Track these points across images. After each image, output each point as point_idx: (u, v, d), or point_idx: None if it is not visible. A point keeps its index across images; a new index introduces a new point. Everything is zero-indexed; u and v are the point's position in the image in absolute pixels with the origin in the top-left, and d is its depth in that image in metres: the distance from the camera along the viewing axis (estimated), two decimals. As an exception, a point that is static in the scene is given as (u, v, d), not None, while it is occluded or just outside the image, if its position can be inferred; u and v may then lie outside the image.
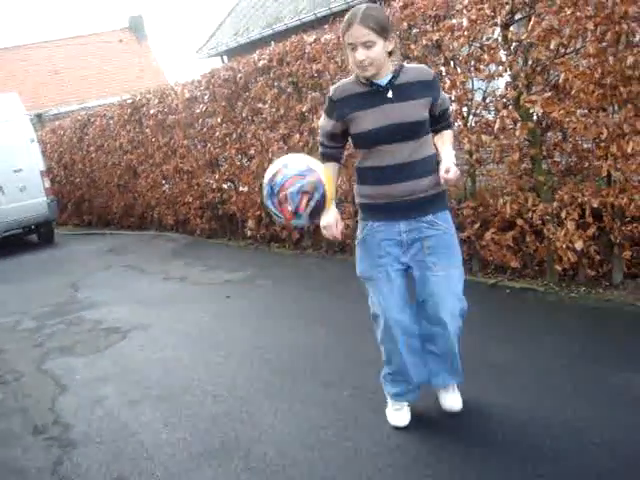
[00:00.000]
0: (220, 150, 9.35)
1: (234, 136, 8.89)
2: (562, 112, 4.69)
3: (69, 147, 14.55)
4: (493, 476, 2.91)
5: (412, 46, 5.76)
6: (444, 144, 3.15)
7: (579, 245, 4.83)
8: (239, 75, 8.54)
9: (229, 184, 9.55)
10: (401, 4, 5.89)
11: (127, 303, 7.06)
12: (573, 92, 4.61)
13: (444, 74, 5.61)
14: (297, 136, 7.64)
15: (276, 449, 3.43)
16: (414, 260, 3.14)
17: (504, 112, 5.09)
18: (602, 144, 4.59)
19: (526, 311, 4.96)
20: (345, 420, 3.60)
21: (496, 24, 5.10)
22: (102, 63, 27.00)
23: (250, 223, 8.96)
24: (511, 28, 5.07)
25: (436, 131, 3.19)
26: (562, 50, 4.80)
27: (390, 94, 2.99)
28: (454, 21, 5.37)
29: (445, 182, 3.01)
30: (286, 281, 7.02)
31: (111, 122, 12.56)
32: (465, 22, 5.23)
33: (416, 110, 3.00)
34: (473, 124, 5.53)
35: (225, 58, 16.84)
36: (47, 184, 12.88)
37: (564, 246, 4.88)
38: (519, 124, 5.04)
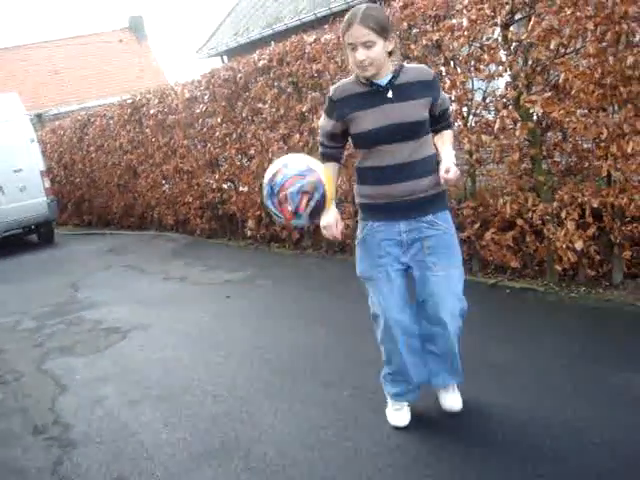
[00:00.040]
0: (220, 150, 9.35)
1: (234, 136, 8.89)
2: (562, 112, 4.69)
3: (69, 147, 14.55)
4: (493, 476, 2.91)
5: (412, 46, 5.77)
6: (444, 144, 3.14)
7: (579, 245, 4.83)
8: (239, 75, 8.54)
9: (229, 184, 9.55)
10: (401, 4, 5.89)
11: (127, 303, 7.06)
12: (573, 92, 4.61)
13: (444, 74, 5.61)
14: (297, 136, 7.64)
15: (276, 449, 3.43)
16: (414, 260, 3.13)
17: (504, 112, 5.09)
18: (602, 144, 4.59)
19: (526, 311, 4.96)
20: (345, 420, 3.60)
21: (496, 24, 5.10)
22: (102, 63, 26.99)
23: (250, 223, 8.96)
24: (511, 28, 5.07)
25: (436, 131, 3.19)
26: (562, 50, 4.80)
27: (390, 94, 2.98)
28: (454, 21, 5.38)
29: (445, 182, 3.00)
30: (286, 281, 7.02)
31: (111, 122, 12.56)
32: (465, 22, 5.23)
33: (416, 110, 3.00)
34: (473, 124, 5.53)
35: (225, 58, 16.85)
36: (47, 184, 12.88)
37: (564, 246, 4.88)
38: (519, 124, 5.04)
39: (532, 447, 3.06)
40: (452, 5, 5.42)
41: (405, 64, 3.10)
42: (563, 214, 4.88)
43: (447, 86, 5.42)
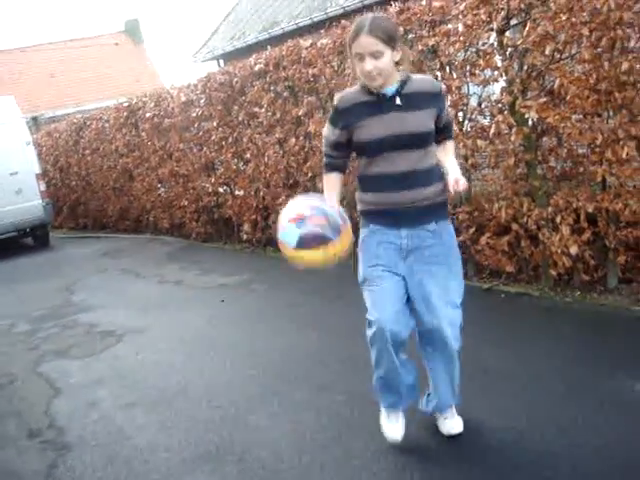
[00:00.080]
0: (216, 154, 9.35)
1: (230, 140, 8.90)
2: (557, 117, 4.70)
3: (65, 150, 14.53)
4: (487, 480, 2.92)
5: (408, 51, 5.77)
6: (447, 155, 3.12)
7: (574, 250, 4.84)
8: (235, 79, 8.55)
9: (225, 188, 9.55)
10: (397, 9, 5.91)
11: (122, 306, 7.06)
12: (568, 97, 4.63)
13: (440, 79, 5.62)
14: (293, 140, 7.65)
15: (270, 453, 3.43)
16: (412, 268, 3.04)
17: (499, 117, 5.10)
18: (597, 149, 4.61)
19: (521, 316, 4.97)
20: (339, 424, 3.60)
21: (492, 29, 5.12)
22: (98, 66, 27.01)
23: (246, 227, 8.96)
24: (507, 33, 5.09)
25: (438, 142, 3.15)
26: (557, 56, 4.81)
27: (397, 103, 2.95)
28: (450, 26, 5.39)
29: (455, 194, 2.98)
30: (281, 285, 7.02)
31: (107, 125, 12.55)
32: (461, 27, 5.24)
33: (422, 120, 2.97)
34: (469, 129, 5.55)
35: (221, 62, 16.88)
36: (43, 187, 12.85)
37: (559, 251, 4.90)
38: (514, 129, 5.05)
39: (526, 452, 3.07)
40: (448, 10, 5.44)
41: (412, 74, 3.06)
42: (558, 219, 4.89)
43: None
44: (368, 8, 8.36)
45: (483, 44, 5.23)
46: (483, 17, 5.06)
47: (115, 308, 7.02)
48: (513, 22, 5.08)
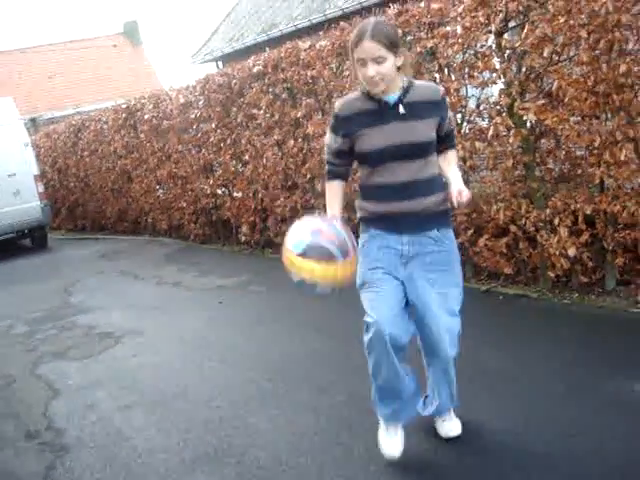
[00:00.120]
0: (214, 155, 9.36)
1: (228, 141, 8.90)
2: (555, 119, 4.71)
3: (63, 152, 14.52)
4: (486, 482, 2.92)
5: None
6: (449, 165, 3.08)
7: (572, 252, 4.85)
8: (234, 81, 8.55)
9: (223, 189, 9.56)
10: (395, 11, 5.91)
11: (120, 308, 7.06)
12: (566, 100, 4.64)
13: (438, 81, 5.63)
14: (291, 142, 7.66)
15: (269, 455, 3.43)
16: (413, 275, 3.01)
17: (498, 119, 5.11)
18: (595, 151, 4.61)
19: (519, 317, 4.97)
20: (338, 426, 3.60)
21: (490, 32, 5.13)
22: (96, 68, 27.00)
23: (244, 229, 8.97)
24: (505, 36, 5.10)
25: (440, 151, 3.11)
26: (555, 58, 4.82)
27: (398, 112, 2.91)
28: (448, 28, 5.40)
29: (458, 205, 2.94)
30: (279, 287, 6.99)
31: (105, 127, 12.55)
32: (459, 29, 5.25)
33: (424, 130, 2.93)
34: (467, 131, 5.55)
35: (220, 64, 16.88)
36: (41, 188, 12.85)
37: (557, 253, 4.90)
38: (513, 131, 5.06)
39: (525, 453, 3.07)
40: (446, 13, 5.44)
41: (414, 81, 3.02)
42: (556, 221, 4.89)
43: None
44: (367, 10, 8.36)
45: (481, 46, 5.24)
46: (481, 19, 5.07)
47: (113, 309, 7.02)
48: (511, 24, 5.10)
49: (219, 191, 9.61)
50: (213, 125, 9.13)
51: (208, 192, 9.69)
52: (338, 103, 3.07)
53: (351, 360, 4.43)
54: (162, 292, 7.69)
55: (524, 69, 4.99)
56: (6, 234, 12.56)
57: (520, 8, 4.90)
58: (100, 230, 14.14)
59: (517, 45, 4.89)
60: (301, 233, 2.85)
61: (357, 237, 3.09)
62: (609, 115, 4.64)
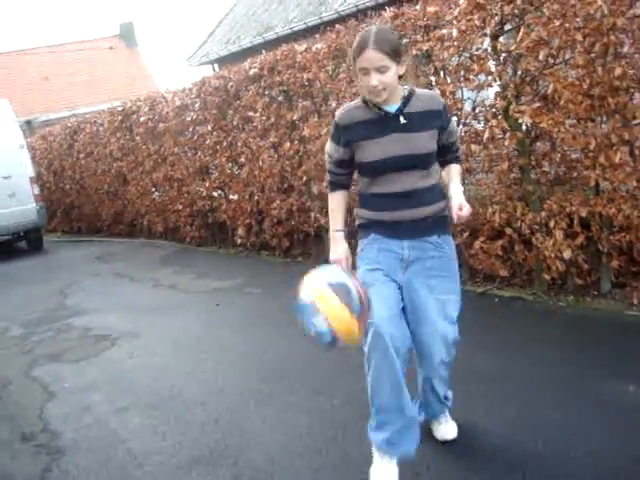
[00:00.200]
0: (210, 158, 9.36)
1: (224, 144, 8.90)
2: (551, 122, 4.72)
3: (59, 154, 14.51)
4: (481, 484, 2.93)
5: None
6: (452, 179, 3.02)
7: (567, 254, 4.86)
8: (230, 83, 8.56)
9: (219, 192, 9.56)
10: (391, 14, 5.92)
11: (116, 310, 7.05)
12: (562, 102, 4.65)
13: (434, 84, 5.64)
14: (287, 144, 7.66)
15: (265, 457, 3.43)
16: (412, 280, 2.98)
17: (493, 122, 5.12)
18: (590, 154, 4.63)
19: (514, 320, 4.98)
20: (334, 428, 3.60)
21: (485, 35, 5.14)
22: (92, 70, 26.97)
23: (240, 231, 8.97)
24: (500, 39, 5.11)
25: (443, 164, 3.08)
26: (551, 61, 4.84)
27: (399, 122, 2.87)
28: (444, 31, 5.41)
29: (458, 219, 2.87)
30: (275, 289, 7.02)
31: (101, 129, 12.55)
32: (455, 32, 5.26)
33: (425, 141, 2.89)
34: (462, 134, 5.55)
35: (216, 66, 16.88)
36: (36, 191, 12.84)
37: (552, 255, 4.91)
38: (508, 134, 5.08)
39: (519, 456, 3.08)
40: (442, 16, 5.46)
41: (416, 89, 2.97)
42: (552, 223, 4.91)
43: (437, 96, 5.45)
44: (362, 13, 8.38)
45: (477, 49, 5.25)
46: (477, 22, 5.08)
47: (109, 312, 7.01)
48: (507, 27, 5.11)
49: (215, 193, 9.62)
50: (209, 127, 9.13)
51: (204, 194, 9.69)
52: (338, 112, 3.03)
53: (347, 362, 4.43)
54: (158, 294, 7.68)
55: (520, 72, 5.01)
56: (2, 236, 12.54)
57: (515, 11, 4.92)
58: (96, 232, 14.13)
59: (513, 48, 4.91)
60: (338, 274, 2.78)
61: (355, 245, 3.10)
62: (604, 118, 4.66)
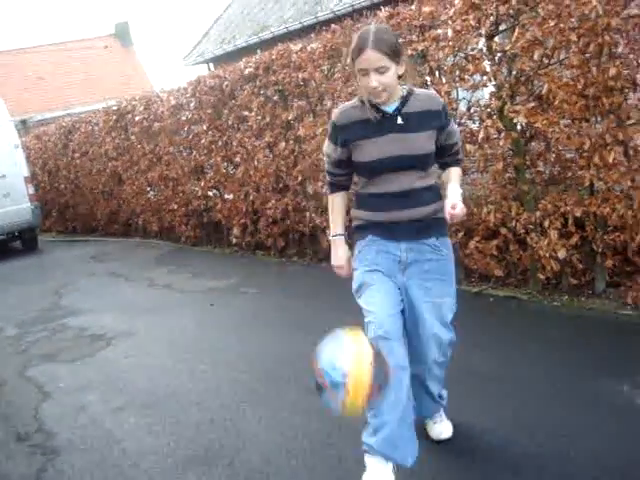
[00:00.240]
0: (206, 157, 9.35)
1: (220, 143, 8.90)
2: (545, 122, 4.73)
3: (54, 153, 14.47)
4: (476, 483, 2.93)
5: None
6: (451, 181, 2.98)
7: (562, 254, 4.87)
8: (225, 83, 8.55)
9: (214, 191, 9.55)
10: (387, 14, 5.93)
11: (111, 310, 7.04)
12: (556, 103, 4.66)
13: (429, 84, 5.65)
14: (283, 144, 7.66)
15: (260, 457, 3.43)
16: (409, 282, 2.96)
17: (488, 122, 5.13)
18: (585, 154, 4.64)
19: (509, 319, 4.99)
20: (329, 427, 3.60)
21: (481, 35, 5.15)
22: (87, 69, 26.93)
23: (235, 231, 8.97)
24: (495, 39, 5.12)
25: (443, 166, 3.07)
26: (546, 61, 4.85)
27: (397, 122, 2.85)
28: (439, 31, 5.41)
29: (451, 218, 2.82)
30: (271, 289, 7.02)
31: (96, 129, 12.52)
32: (450, 32, 5.27)
33: (422, 142, 2.87)
34: (458, 133, 5.56)
35: (211, 65, 16.86)
36: (31, 190, 12.80)
37: (547, 255, 4.93)
38: (503, 134, 5.09)
39: (515, 455, 3.08)
40: (437, 16, 5.46)
41: (415, 89, 2.94)
42: (546, 223, 4.92)
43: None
44: (358, 12, 8.39)
45: (472, 49, 5.26)
46: (472, 22, 5.09)
47: (104, 312, 7.00)
48: (502, 27, 5.12)
49: (210, 193, 9.61)
50: (204, 127, 9.13)
51: (199, 194, 9.68)
52: (336, 112, 3.01)
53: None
54: (153, 294, 7.67)
55: (514, 72, 5.01)
56: (-4, 236, 12.52)
57: (510, 11, 4.93)
58: (91, 232, 14.10)
59: (507, 48, 4.92)
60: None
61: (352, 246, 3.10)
62: (599, 118, 4.67)
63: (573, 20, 4.48)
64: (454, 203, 2.79)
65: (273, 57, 7.64)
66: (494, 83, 5.15)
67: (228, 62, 10.46)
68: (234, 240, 9.06)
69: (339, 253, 3.10)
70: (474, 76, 5.29)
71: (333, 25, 6.82)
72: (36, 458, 3.81)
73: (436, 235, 2.98)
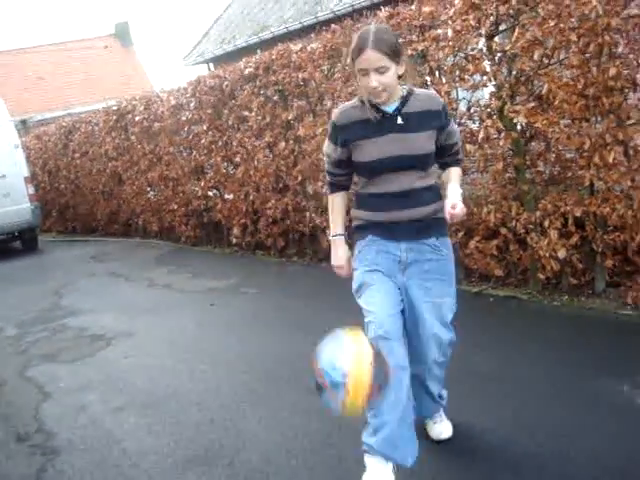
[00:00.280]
0: (206, 157, 9.35)
1: (220, 143, 8.90)
2: (545, 122, 4.73)
3: (54, 153, 14.47)
4: (476, 483, 2.93)
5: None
6: (451, 181, 2.97)
7: (562, 254, 4.87)
8: (225, 83, 8.55)
9: (214, 191, 9.55)
10: (387, 14, 5.93)
11: (111, 310, 7.04)
12: (556, 102, 4.66)
13: (429, 84, 5.65)
14: (283, 144, 7.66)
15: (260, 456, 3.43)
16: (408, 282, 2.95)
17: (488, 122, 5.13)
18: (585, 154, 4.64)
19: (510, 319, 4.99)
20: (329, 427, 3.60)
21: (481, 35, 5.15)
22: (87, 69, 26.93)
23: (235, 231, 8.97)
24: (495, 39, 5.12)
25: (443, 166, 3.06)
26: (546, 61, 4.85)
27: (397, 122, 2.84)
28: (439, 31, 5.41)
29: (451, 218, 2.80)
30: (271, 289, 7.02)
31: (96, 129, 12.52)
32: (450, 32, 5.27)
33: (422, 142, 2.86)
34: (458, 134, 5.56)
35: (211, 65, 16.86)
36: (31, 190, 12.79)
37: (547, 255, 4.93)
38: (503, 134, 5.09)
39: (515, 455, 3.08)
40: (437, 16, 5.46)
41: (415, 89, 2.93)
42: (546, 223, 4.92)
43: (432, 95, 5.45)
44: (358, 12, 8.39)
45: (472, 49, 5.26)
46: (472, 22, 5.09)
47: (104, 312, 7.00)
48: (502, 27, 5.12)
49: (210, 193, 9.61)
50: (204, 127, 9.13)
51: (199, 194, 9.68)
52: (336, 111, 3.01)
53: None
54: (153, 294, 7.67)
55: (514, 72, 5.01)
56: (-4, 236, 12.51)
57: (510, 11, 4.93)
58: (91, 232, 14.10)
59: (507, 48, 4.92)
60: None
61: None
62: (599, 118, 4.67)
63: (573, 20, 4.48)
64: (454, 203, 2.78)
65: (273, 57, 7.64)
66: (494, 83, 5.15)
67: (228, 62, 10.47)
68: (234, 240, 9.06)
69: (339, 253, 3.11)
70: (474, 76, 5.29)
71: (333, 25, 6.82)
72: (36, 458, 3.81)
73: (436, 235, 2.97)
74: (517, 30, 4.82)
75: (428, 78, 5.68)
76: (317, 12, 12.89)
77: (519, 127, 5.14)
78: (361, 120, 2.88)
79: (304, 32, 11.72)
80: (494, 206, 5.23)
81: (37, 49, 27.55)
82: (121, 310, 7.00)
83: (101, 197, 13.04)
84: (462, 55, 5.35)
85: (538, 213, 4.97)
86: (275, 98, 7.77)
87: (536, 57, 4.77)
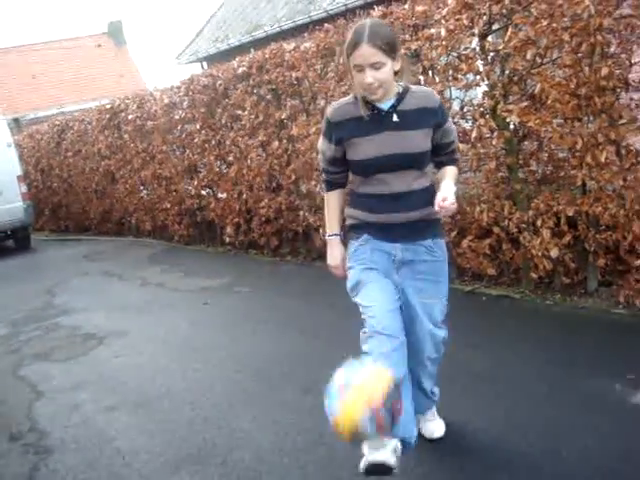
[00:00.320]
0: (199, 156, 9.34)
1: (213, 142, 8.89)
2: (538, 122, 4.74)
3: (46, 152, 14.43)
4: (469, 481, 2.94)
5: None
6: (445, 178, 2.91)
7: (554, 253, 4.88)
8: (218, 82, 8.54)
9: (208, 190, 9.55)
10: (380, 13, 5.93)
11: (104, 309, 7.03)
12: (549, 102, 4.67)
13: (422, 83, 5.65)
14: (276, 143, 7.66)
15: (253, 455, 3.43)
16: (402, 282, 2.95)
17: (481, 121, 5.14)
18: (577, 153, 4.65)
19: (502, 318, 5.00)
20: (322, 426, 3.59)
21: (474, 34, 5.15)
22: (80, 68, 26.89)
23: (228, 230, 8.96)
24: (488, 38, 5.12)
25: (439, 165, 3.02)
26: (538, 60, 4.85)
27: (392, 120, 2.79)
28: (432, 31, 5.41)
29: (440, 211, 2.74)
30: (264, 288, 7.02)
31: (89, 127, 12.49)
32: (443, 32, 5.27)
33: (418, 140, 2.82)
34: (451, 133, 5.57)
35: (205, 64, 16.84)
36: (24, 189, 12.77)
37: (540, 254, 4.94)
38: (496, 133, 5.10)
39: (508, 454, 3.09)
40: (431, 15, 5.47)
41: (411, 86, 2.88)
42: (539, 222, 4.93)
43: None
44: (351, 12, 8.38)
45: (465, 49, 5.26)
46: (465, 22, 5.09)
47: (97, 311, 6.99)
48: (495, 27, 5.12)
49: (203, 192, 9.61)
50: (197, 126, 9.12)
51: (192, 193, 9.68)
52: (330, 108, 2.96)
53: (335, 360, 4.42)
54: (146, 293, 7.66)
55: (507, 71, 5.02)
56: (-11, 235, 12.47)
57: (503, 11, 4.93)
58: (84, 231, 14.07)
59: (500, 48, 4.92)
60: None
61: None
62: (591, 117, 4.67)
63: (566, 20, 4.49)
64: (445, 196, 2.72)
65: (266, 56, 7.64)
66: (487, 82, 5.15)
67: (221, 61, 10.45)
68: (227, 239, 9.05)
69: (335, 253, 3.09)
70: (467, 75, 5.30)
71: (326, 24, 6.82)
72: (29, 457, 3.80)
73: (431, 237, 2.96)
74: (510, 30, 4.83)
75: (421, 77, 5.68)
76: (310, 11, 12.88)
77: (512, 126, 5.14)
78: (356, 117, 2.84)
79: (297, 31, 11.70)
80: (487, 205, 5.24)
81: (30, 47, 27.47)
82: (114, 309, 6.99)
83: (94, 196, 13.02)
84: (455, 54, 5.35)
85: (531, 212, 4.98)
86: (268, 97, 7.77)
87: (529, 57, 4.77)
